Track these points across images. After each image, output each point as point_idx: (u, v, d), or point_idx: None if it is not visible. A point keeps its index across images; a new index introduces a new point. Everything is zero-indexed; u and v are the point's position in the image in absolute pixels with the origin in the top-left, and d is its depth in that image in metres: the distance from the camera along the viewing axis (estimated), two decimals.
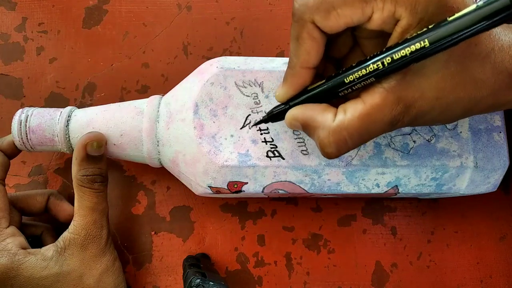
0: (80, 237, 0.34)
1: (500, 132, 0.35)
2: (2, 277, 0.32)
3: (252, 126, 0.34)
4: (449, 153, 0.34)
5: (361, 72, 0.25)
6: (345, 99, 0.27)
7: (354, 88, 0.26)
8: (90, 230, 0.35)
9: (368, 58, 0.25)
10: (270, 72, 0.34)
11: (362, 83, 0.26)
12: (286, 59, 0.35)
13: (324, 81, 0.28)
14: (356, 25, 0.26)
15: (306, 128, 0.28)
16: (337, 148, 0.26)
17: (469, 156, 0.34)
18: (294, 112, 0.28)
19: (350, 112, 0.26)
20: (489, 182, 0.35)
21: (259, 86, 0.34)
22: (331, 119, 0.26)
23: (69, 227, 0.35)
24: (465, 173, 0.34)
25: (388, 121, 0.25)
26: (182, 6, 0.45)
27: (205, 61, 0.36)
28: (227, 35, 0.45)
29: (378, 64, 0.25)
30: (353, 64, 0.26)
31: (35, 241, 0.38)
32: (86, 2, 0.45)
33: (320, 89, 0.28)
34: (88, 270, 0.35)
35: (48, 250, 0.34)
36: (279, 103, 0.30)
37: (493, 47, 0.25)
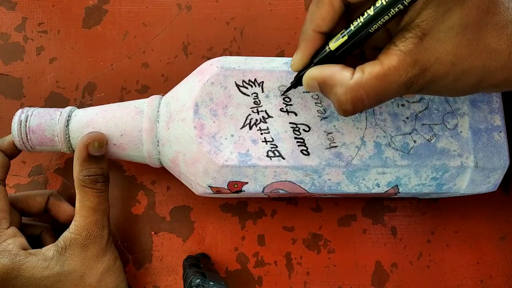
0: (81, 237, 0.34)
1: (500, 132, 0.35)
2: (4, 277, 0.32)
3: (283, 94, 0.34)
4: (449, 152, 0.34)
5: (385, 17, 0.26)
6: (362, 61, 0.28)
7: (376, 27, 0.27)
8: (92, 230, 0.35)
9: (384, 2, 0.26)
10: (270, 72, 0.35)
11: (384, 22, 0.27)
12: (286, 59, 0.36)
13: (346, 35, 0.28)
14: None
15: (324, 86, 0.28)
16: (353, 105, 0.27)
17: (469, 156, 0.34)
18: (312, 72, 0.29)
19: (368, 71, 0.26)
20: (489, 182, 0.35)
21: (259, 86, 0.34)
22: (349, 77, 0.27)
23: (70, 227, 0.35)
24: (466, 173, 0.34)
25: (403, 83, 0.26)
26: (182, 6, 0.45)
27: (205, 61, 0.36)
28: (227, 35, 0.45)
29: None
30: (370, 10, 0.27)
31: (34, 241, 0.38)
32: (86, 2, 0.45)
33: (342, 39, 0.28)
34: (89, 269, 0.35)
35: (49, 250, 0.34)
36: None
37: (510, 20, 0.25)
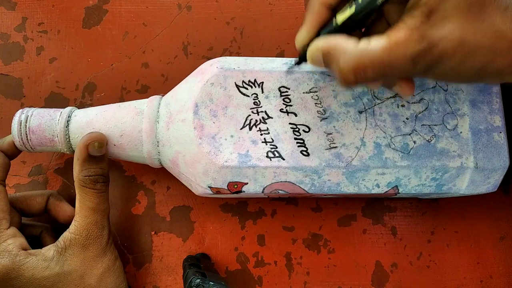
0: (81, 237, 0.34)
1: (500, 132, 0.35)
2: (4, 278, 0.32)
3: (287, 70, 0.34)
4: (449, 153, 0.34)
5: None
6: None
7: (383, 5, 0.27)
8: (92, 230, 0.35)
9: None
10: (270, 72, 0.34)
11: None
12: (286, 59, 0.36)
13: (353, 6, 0.28)
14: None
15: (328, 56, 0.28)
16: (355, 75, 0.27)
17: (469, 156, 0.34)
18: (316, 42, 0.29)
19: (374, 42, 0.26)
20: (489, 182, 0.35)
21: (259, 86, 0.34)
22: (354, 45, 0.27)
23: (70, 227, 0.35)
24: (465, 173, 0.34)
25: (410, 57, 0.26)
26: (182, 6, 0.45)
27: (205, 61, 0.36)
28: (227, 35, 0.45)
29: None
30: None
31: (34, 241, 0.38)
32: (86, 2, 0.45)
33: (350, 11, 0.28)
34: (89, 270, 0.35)
35: (49, 250, 0.34)
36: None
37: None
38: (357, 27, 0.29)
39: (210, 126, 0.33)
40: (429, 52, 0.26)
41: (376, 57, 0.26)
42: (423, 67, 0.27)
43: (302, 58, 0.31)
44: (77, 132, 0.36)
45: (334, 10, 0.29)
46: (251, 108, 0.34)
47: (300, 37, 0.30)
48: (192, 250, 0.41)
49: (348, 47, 0.27)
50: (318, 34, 0.30)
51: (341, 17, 0.29)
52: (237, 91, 0.34)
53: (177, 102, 0.35)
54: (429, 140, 0.34)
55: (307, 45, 0.30)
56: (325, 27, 0.29)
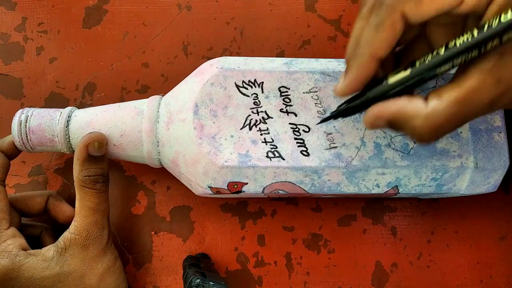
0: (81, 238, 0.34)
1: (500, 132, 0.35)
2: (3, 278, 0.32)
3: (319, 123, 0.33)
4: (449, 153, 0.34)
5: (460, 58, 0.24)
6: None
7: (441, 74, 0.26)
8: (91, 230, 0.35)
9: (460, 41, 0.24)
10: (270, 72, 0.34)
11: (454, 67, 0.25)
12: (286, 59, 0.36)
13: (409, 70, 0.26)
14: (446, 11, 0.25)
15: (396, 122, 0.27)
16: (435, 134, 0.26)
17: (469, 156, 0.34)
18: (376, 110, 0.27)
19: (446, 97, 0.25)
20: (489, 182, 0.35)
21: (259, 86, 0.34)
22: (422, 106, 0.25)
23: (70, 227, 0.35)
24: (465, 173, 0.34)
25: (487, 103, 0.24)
26: (182, 6, 0.45)
27: (205, 61, 0.36)
28: (227, 35, 0.45)
29: (480, 45, 0.23)
30: (441, 50, 0.25)
31: (34, 242, 0.38)
32: (86, 2, 0.45)
33: (405, 79, 0.26)
34: (89, 270, 0.35)
35: (49, 250, 0.34)
36: (350, 96, 0.29)
37: None
38: (408, 91, 0.27)
39: (210, 126, 0.33)
40: (507, 94, 0.24)
41: (451, 113, 0.25)
42: (498, 108, 0.25)
43: (343, 113, 0.29)
44: (77, 132, 0.36)
45: (381, 64, 0.27)
46: (251, 108, 0.34)
47: (344, 88, 0.28)
48: (192, 250, 0.41)
49: (417, 109, 0.25)
50: (363, 90, 0.28)
51: (393, 79, 0.27)
52: (237, 91, 0.34)
53: (177, 102, 0.35)
54: None
55: (349, 99, 0.29)
56: (374, 86, 0.27)
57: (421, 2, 0.25)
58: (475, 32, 0.24)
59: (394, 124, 0.27)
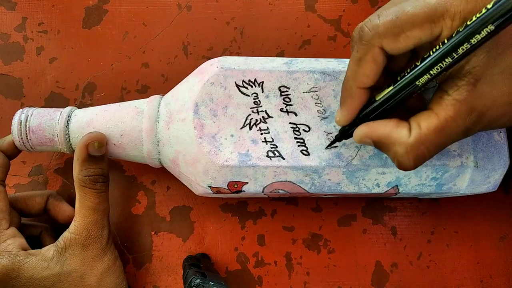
0: (81, 237, 0.34)
1: (501, 132, 0.35)
2: (4, 278, 0.32)
3: (327, 148, 0.34)
4: (449, 152, 0.34)
5: (435, 69, 0.26)
6: (409, 110, 0.29)
7: (424, 87, 0.27)
8: (91, 230, 0.35)
9: (432, 53, 0.26)
10: (270, 72, 0.34)
11: (435, 80, 0.26)
12: (286, 59, 0.36)
13: (391, 87, 0.28)
14: (423, 43, 0.26)
15: (380, 144, 0.29)
16: (415, 163, 0.27)
17: (469, 156, 0.34)
18: (365, 130, 0.29)
19: (425, 126, 0.26)
20: (490, 182, 0.35)
21: (259, 86, 0.34)
22: (406, 135, 0.27)
23: (70, 227, 0.35)
24: (466, 173, 0.34)
25: (462, 131, 0.26)
26: (182, 6, 0.45)
27: (205, 61, 0.36)
28: (227, 35, 0.45)
29: (453, 55, 0.25)
30: (417, 64, 0.27)
31: (34, 242, 0.38)
32: (86, 2, 0.45)
33: (389, 95, 0.28)
34: (89, 269, 0.35)
35: (49, 250, 0.34)
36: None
37: None
38: (396, 107, 0.29)
39: (210, 125, 0.33)
40: (480, 121, 0.26)
41: (430, 142, 0.26)
42: (473, 133, 0.27)
43: (343, 136, 0.32)
44: (77, 132, 0.36)
45: (373, 88, 0.29)
46: (251, 108, 0.34)
47: (341, 119, 0.30)
48: (192, 250, 0.41)
49: (401, 138, 0.27)
50: (358, 115, 0.30)
51: (379, 96, 0.29)
52: (237, 90, 0.34)
53: (177, 101, 0.35)
54: None
55: (348, 124, 0.31)
56: (365, 107, 0.30)
57: (398, 38, 0.26)
58: (445, 40, 0.25)
59: (379, 145, 0.29)
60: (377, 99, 0.29)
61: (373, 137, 0.29)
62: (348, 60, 0.36)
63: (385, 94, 0.28)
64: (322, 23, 0.45)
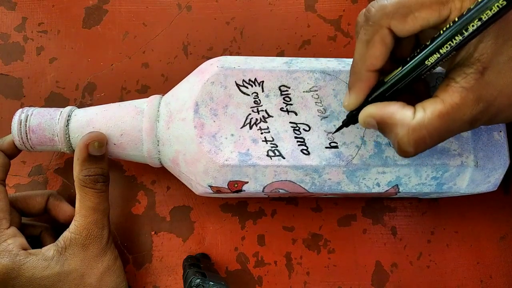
0: (81, 237, 0.34)
1: (501, 131, 0.35)
2: (4, 277, 0.32)
3: (333, 133, 0.33)
4: (450, 152, 0.34)
5: (445, 47, 0.25)
6: (418, 96, 0.28)
7: (434, 67, 0.27)
8: (92, 230, 0.35)
9: (442, 32, 0.25)
10: (270, 71, 0.34)
11: (443, 60, 0.26)
12: (286, 59, 0.36)
13: (400, 69, 0.28)
14: (431, 26, 0.26)
15: (383, 125, 0.28)
16: (415, 147, 0.26)
17: (469, 155, 0.34)
18: (370, 110, 0.28)
19: (430, 110, 0.26)
20: (490, 181, 0.35)
21: (259, 85, 0.34)
22: (410, 116, 0.26)
23: (70, 226, 0.35)
24: (466, 172, 0.34)
25: (467, 120, 0.26)
26: (182, 6, 0.45)
27: (205, 61, 0.36)
28: (227, 35, 0.45)
29: (463, 32, 0.25)
30: (427, 43, 0.26)
31: (34, 241, 0.38)
32: (86, 2, 0.45)
33: (399, 76, 0.28)
34: (89, 269, 0.35)
35: (49, 250, 0.34)
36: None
37: None
38: (406, 90, 0.28)
39: (211, 125, 0.33)
40: (487, 111, 0.25)
41: (434, 127, 0.26)
42: (479, 124, 0.26)
43: (351, 121, 0.31)
44: (77, 132, 0.36)
45: (381, 72, 0.29)
46: (251, 107, 0.34)
47: (350, 103, 0.30)
48: (192, 250, 0.41)
49: (404, 119, 0.26)
50: (367, 98, 0.29)
51: (388, 78, 0.28)
52: (238, 90, 0.34)
53: (177, 101, 0.35)
54: None
55: (356, 109, 0.30)
56: (375, 91, 0.29)
57: (406, 19, 0.26)
58: (456, 18, 0.25)
59: (382, 126, 0.28)
60: (386, 80, 0.28)
61: (377, 117, 0.28)
62: (348, 60, 0.36)
63: (395, 75, 0.28)
64: (322, 23, 0.45)
